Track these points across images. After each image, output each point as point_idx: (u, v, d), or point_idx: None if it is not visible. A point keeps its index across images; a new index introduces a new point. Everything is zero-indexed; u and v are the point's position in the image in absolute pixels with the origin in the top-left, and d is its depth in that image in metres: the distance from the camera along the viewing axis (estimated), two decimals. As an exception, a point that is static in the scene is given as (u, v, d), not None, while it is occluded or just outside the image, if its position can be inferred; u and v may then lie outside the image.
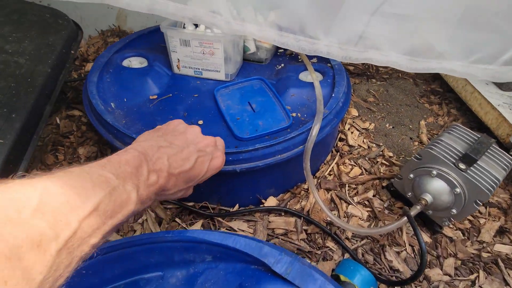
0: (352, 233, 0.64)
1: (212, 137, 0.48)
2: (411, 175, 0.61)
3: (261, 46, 0.81)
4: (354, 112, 0.92)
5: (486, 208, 0.70)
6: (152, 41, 0.87)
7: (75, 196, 0.25)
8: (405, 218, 0.54)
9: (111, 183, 0.29)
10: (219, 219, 0.65)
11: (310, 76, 0.75)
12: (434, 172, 0.57)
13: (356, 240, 0.63)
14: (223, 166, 0.55)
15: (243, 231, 0.64)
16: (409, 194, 0.64)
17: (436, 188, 0.57)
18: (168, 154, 0.39)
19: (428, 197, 0.58)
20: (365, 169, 0.76)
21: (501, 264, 0.60)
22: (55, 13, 0.76)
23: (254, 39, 0.81)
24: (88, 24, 1.19)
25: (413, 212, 0.56)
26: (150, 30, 0.89)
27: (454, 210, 0.57)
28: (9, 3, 0.74)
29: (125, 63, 0.77)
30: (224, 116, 0.65)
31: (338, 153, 0.79)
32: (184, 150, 0.41)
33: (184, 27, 0.72)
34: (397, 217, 0.67)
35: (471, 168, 0.55)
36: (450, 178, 0.55)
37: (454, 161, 0.56)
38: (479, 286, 0.57)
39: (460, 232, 0.65)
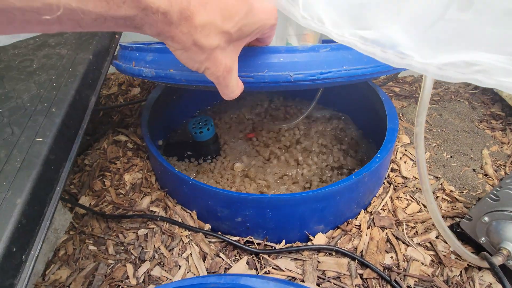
0: (415, 282, 0.57)
1: None
2: (486, 218, 0.54)
3: (305, 44, 0.77)
4: (405, 139, 0.86)
5: None
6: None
7: None
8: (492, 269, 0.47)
9: None
10: (265, 256, 0.61)
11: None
12: (517, 218, 0.49)
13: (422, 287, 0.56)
14: (272, 73, 0.41)
15: (290, 271, 0.60)
16: (483, 239, 0.56)
17: (521, 237, 0.49)
18: None
19: (510, 247, 0.50)
20: (423, 205, 0.69)
21: None
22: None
23: (296, 34, 0.77)
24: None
25: (497, 262, 0.48)
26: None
27: (544, 264, 0.49)
28: None
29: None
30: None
31: (391, 186, 0.73)
32: None
33: None
34: (467, 265, 0.59)
35: None
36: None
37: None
38: None
39: (547, 286, 0.56)
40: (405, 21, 0.27)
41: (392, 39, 0.27)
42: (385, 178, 0.76)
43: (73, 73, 0.52)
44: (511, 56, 0.25)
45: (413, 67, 0.28)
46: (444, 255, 0.60)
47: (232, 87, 0.33)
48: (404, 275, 0.57)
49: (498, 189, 0.54)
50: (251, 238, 0.64)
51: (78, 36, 0.63)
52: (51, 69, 0.53)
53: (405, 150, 0.82)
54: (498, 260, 0.49)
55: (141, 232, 0.65)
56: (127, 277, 0.58)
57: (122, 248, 0.63)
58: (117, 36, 0.71)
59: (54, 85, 0.49)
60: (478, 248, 0.60)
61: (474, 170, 0.77)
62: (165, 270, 0.59)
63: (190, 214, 0.67)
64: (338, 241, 0.63)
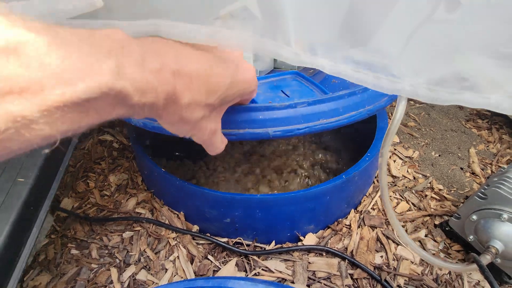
0: (405, 281, 0.56)
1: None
2: (474, 217, 0.54)
3: None
4: (394, 138, 0.86)
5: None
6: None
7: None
8: (474, 266, 0.47)
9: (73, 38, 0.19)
10: (254, 257, 0.60)
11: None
12: (505, 216, 0.50)
13: (410, 289, 0.56)
14: (252, 129, 0.44)
15: (280, 272, 0.58)
16: (471, 237, 0.56)
17: (508, 235, 0.50)
18: (176, 47, 0.26)
19: (498, 245, 0.50)
20: (413, 203, 0.69)
21: None
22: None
23: None
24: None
25: (484, 261, 0.48)
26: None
27: (531, 262, 0.49)
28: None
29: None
30: (254, 101, 0.52)
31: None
32: (198, 48, 0.28)
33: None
34: (456, 263, 0.59)
35: (551, 213, 0.47)
36: (527, 224, 0.48)
37: (529, 203, 0.48)
38: None
39: (533, 283, 0.56)
40: (392, 24, 0.26)
41: (382, 55, 0.26)
42: (375, 177, 0.75)
43: None
44: (498, 61, 0.24)
45: (404, 92, 0.27)
46: (433, 254, 0.60)
47: (216, 144, 0.35)
48: (394, 274, 0.57)
49: (486, 187, 0.54)
50: (240, 239, 0.63)
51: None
52: None
53: (394, 149, 0.82)
54: (486, 258, 0.49)
55: (126, 234, 0.63)
56: (111, 282, 0.56)
57: (106, 251, 0.61)
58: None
59: None
60: (466, 247, 0.60)
61: (461, 168, 0.78)
62: (151, 274, 0.57)
63: (178, 215, 0.65)
64: (329, 241, 0.63)
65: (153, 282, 0.56)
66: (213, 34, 0.27)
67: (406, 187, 0.73)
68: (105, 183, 0.73)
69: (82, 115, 0.19)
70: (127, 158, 0.79)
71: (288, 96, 0.56)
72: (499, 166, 0.78)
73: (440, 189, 0.72)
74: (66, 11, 0.29)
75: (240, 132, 0.43)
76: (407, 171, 0.77)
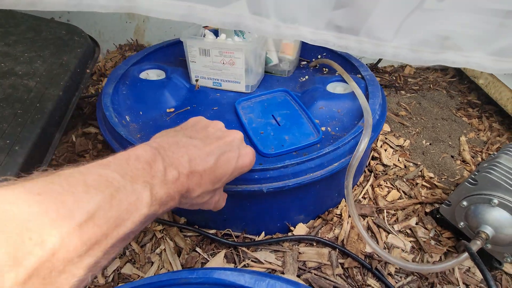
0: (396, 269, 0.56)
1: (239, 131, 0.40)
2: (464, 203, 0.53)
3: (284, 57, 0.76)
4: (385, 127, 0.85)
5: (550, 239, 0.60)
6: (170, 54, 0.84)
7: (58, 205, 0.19)
8: (466, 254, 0.46)
9: (114, 184, 0.23)
10: (244, 249, 0.59)
11: (340, 87, 0.69)
12: (495, 201, 0.49)
13: (401, 277, 0.55)
14: (248, 186, 0.49)
15: (270, 263, 0.57)
16: (462, 224, 0.56)
17: (498, 220, 0.49)
18: (188, 149, 0.33)
19: (489, 230, 0.50)
20: (404, 192, 0.68)
21: None
22: (71, 29, 0.74)
23: (276, 51, 0.76)
24: (107, 39, 1.18)
25: (474, 247, 0.48)
26: (168, 43, 0.86)
27: (521, 246, 0.49)
28: (26, 20, 0.72)
29: (143, 75, 0.74)
30: (246, 130, 0.59)
31: (372, 174, 0.72)
32: (206, 145, 0.35)
33: (203, 36, 0.68)
34: (446, 251, 0.58)
35: (541, 197, 0.47)
36: (517, 208, 0.47)
37: (519, 187, 0.48)
38: (554, 337, 0.48)
39: (522, 268, 0.56)
40: (384, 8, 0.25)
41: (366, 17, 0.25)
42: (366, 166, 0.75)
43: (40, 109, 0.50)
44: (483, 16, 0.23)
45: (387, 54, 0.26)
46: (424, 241, 0.60)
47: (219, 206, 0.42)
48: (385, 263, 0.56)
49: (476, 173, 0.53)
50: (229, 230, 0.61)
51: (49, 68, 0.58)
52: (17, 102, 0.49)
53: (386, 138, 0.82)
54: (476, 244, 0.48)
55: (111, 228, 0.61)
56: (95, 277, 0.54)
57: (90, 245, 0.59)
58: (88, 71, 0.67)
59: (19, 121, 0.46)
60: (457, 233, 0.60)
61: (452, 156, 0.78)
62: (137, 268, 0.55)
63: (164, 207, 0.63)
64: (319, 231, 0.62)
65: (139, 276, 0.54)
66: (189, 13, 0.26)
67: (397, 175, 0.72)
68: (89, 176, 0.71)
69: (125, 242, 0.24)
70: (112, 150, 0.77)
71: (279, 125, 0.60)
72: (489, 154, 0.78)
73: (431, 177, 0.72)
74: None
75: (238, 189, 0.50)
76: (398, 160, 0.76)
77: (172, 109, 0.67)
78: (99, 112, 0.65)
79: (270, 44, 0.75)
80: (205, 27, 0.76)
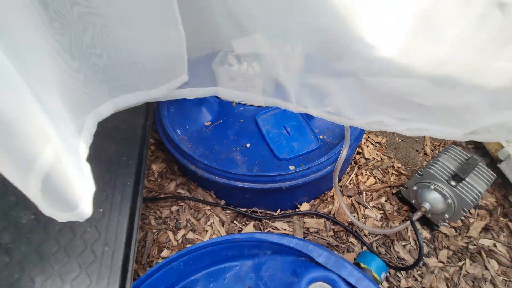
0: (369, 230, 0.84)
1: None
2: (415, 187, 0.80)
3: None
4: (369, 127, 1.10)
5: (475, 209, 0.88)
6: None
7: None
8: (409, 222, 0.74)
9: None
10: (266, 221, 0.86)
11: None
12: (432, 187, 0.75)
13: (372, 236, 0.83)
14: (272, 184, 0.75)
15: (284, 230, 0.85)
16: (413, 201, 0.83)
17: (433, 199, 0.76)
18: None
19: (427, 205, 0.77)
20: (378, 178, 0.95)
21: (483, 254, 0.79)
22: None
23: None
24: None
25: (415, 217, 0.75)
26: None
27: (446, 215, 0.76)
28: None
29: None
30: (266, 139, 0.84)
31: (356, 165, 0.98)
32: None
33: (230, 65, 0.90)
34: (404, 219, 0.86)
35: (460, 184, 0.73)
36: (444, 192, 0.74)
37: (447, 178, 0.74)
38: (465, 271, 0.77)
39: (453, 229, 0.84)
40: (347, 100, 0.49)
41: (343, 111, 0.49)
42: (352, 160, 1.01)
43: (135, 135, 0.73)
44: (403, 120, 0.48)
45: (356, 125, 0.50)
46: (389, 213, 0.87)
47: None
48: (362, 229, 0.84)
49: (423, 168, 0.79)
50: (255, 209, 0.88)
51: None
52: (118, 131, 0.73)
53: (368, 137, 1.07)
54: (418, 214, 0.76)
55: (174, 208, 0.88)
56: (170, 241, 0.81)
57: (161, 220, 0.86)
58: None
59: (126, 144, 0.69)
60: (411, 207, 0.87)
61: (417, 150, 1.04)
62: (196, 234, 0.82)
63: (209, 193, 0.90)
64: (318, 207, 0.89)
65: (199, 239, 0.81)
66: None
67: (374, 166, 0.98)
68: (150, 171, 0.96)
69: None
70: (162, 151, 1.02)
71: (289, 135, 0.85)
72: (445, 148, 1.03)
73: (399, 167, 0.98)
74: (160, 96, 0.50)
75: (265, 187, 0.75)
76: (377, 154, 1.02)
77: (209, 122, 0.91)
78: (160, 130, 0.88)
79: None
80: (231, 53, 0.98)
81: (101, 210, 0.59)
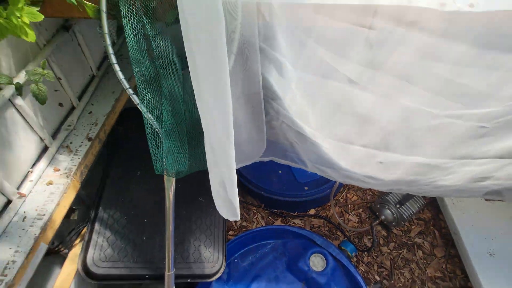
0: (349, 228, 1.41)
1: None
2: (378, 206, 1.36)
3: None
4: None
5: (417, 220, 1.43)
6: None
7: None
8: (370, 226, 1.30)
9: None
10: (288, 218, 1.44)
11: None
12: (386, 207, 1.31)
13: (351, 232, 1.40)
14: (297, 198, 1.33)
15: (299, 224, 1.42)
16: (377, 213, 1.39)
17: (387, 214, 1.32)
18: None
19: (383, 217, 1.33)
20: (359, 197, 1.51)
21: (415, 247, 1.35)
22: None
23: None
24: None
25: (375, 223, 1.31)
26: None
27: (393, 223, 1.32)
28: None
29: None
30: (292, 169, 1.40)
31: (347, 187, 1.54)
32: None
33: None
34: (370, 224, 1.42)
35: (402, 206, 1.29)
36: (392, 210, 1.30)
37: (395, 203, 1.30)
38: (402, 255, 1.33)
39: (400, 231, 1.40)
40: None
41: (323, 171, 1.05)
42: (345, 184, 1.56)
43: None
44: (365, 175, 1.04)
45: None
46: (363, 219, 1.44)
47: None
48: (345, 227, 1.41)
49: (383, 196, 1.35)
50: (282, 211, 1.46)
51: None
52: None
53: (357, 167, 1.62)
54: (376, 221, 1.32)
55: (233, 207, 1.46)
56: (232, 225, 1.40)
57: (226, 214, 1.45)
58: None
59: None
60: (377, 217, 1.44)
61: (388, 179, 1.58)
62: (248, 223, 1.41)
63: (255, 200, 1.48)
64: (320, 212, 1.46)
65: (250, 226, 1.40)
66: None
67: (358, 188, 1.54)
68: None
69: None
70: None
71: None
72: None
73: (374, 191, 1.53)
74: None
75: (295, 199, 1.28)
76: (361, 179, 1.57)
77: (257, 155, 1.48)
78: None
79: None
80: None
81: (211, 210, 1.17)
